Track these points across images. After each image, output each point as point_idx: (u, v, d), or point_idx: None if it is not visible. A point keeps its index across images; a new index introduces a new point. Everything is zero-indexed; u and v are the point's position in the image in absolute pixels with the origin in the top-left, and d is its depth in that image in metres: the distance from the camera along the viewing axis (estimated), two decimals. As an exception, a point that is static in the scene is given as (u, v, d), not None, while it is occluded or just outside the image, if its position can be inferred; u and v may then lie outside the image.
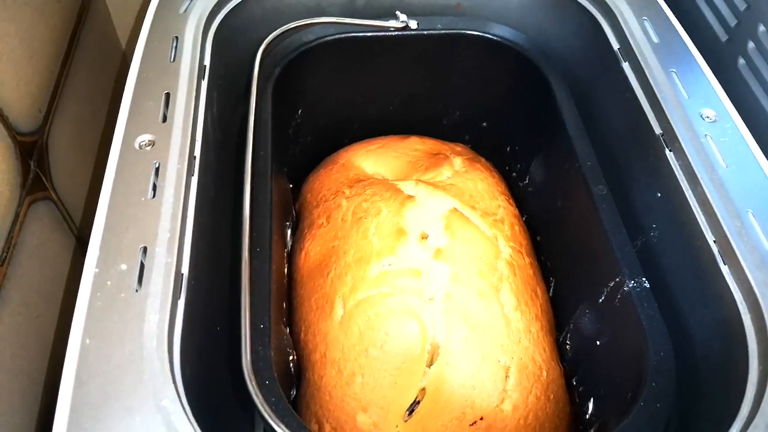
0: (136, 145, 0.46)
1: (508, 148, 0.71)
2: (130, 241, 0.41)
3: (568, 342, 0.58)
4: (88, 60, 0.67)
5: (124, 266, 0.40)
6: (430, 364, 0.51)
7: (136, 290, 0.39)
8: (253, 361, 0.41)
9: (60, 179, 0.58)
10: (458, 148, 0.71)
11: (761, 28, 0.55)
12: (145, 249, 0.40)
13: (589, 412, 0.53)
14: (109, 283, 0.39)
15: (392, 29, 0.64)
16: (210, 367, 0.43)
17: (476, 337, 0.52)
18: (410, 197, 0.60)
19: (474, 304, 0.53)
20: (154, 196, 0.43)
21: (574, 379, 0.56)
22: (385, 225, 0.58)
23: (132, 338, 0.37)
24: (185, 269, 0.41)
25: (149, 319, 0.37)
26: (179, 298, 0.40)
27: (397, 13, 0.64)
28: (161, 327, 0.37)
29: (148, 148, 0.46)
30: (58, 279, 0.56)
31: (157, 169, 0.45)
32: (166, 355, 0.36)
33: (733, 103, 0.50)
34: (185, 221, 0.43)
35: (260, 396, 0.39)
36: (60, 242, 0.57)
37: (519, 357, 0.52)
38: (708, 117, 0.48)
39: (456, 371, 0.51)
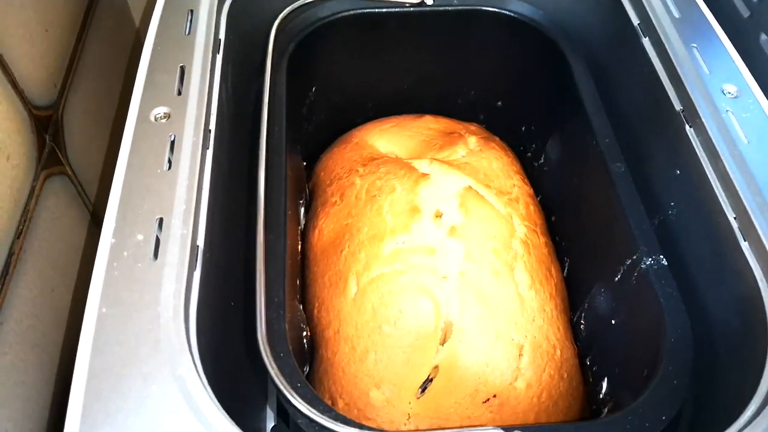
0: (152, 118, 0.46)
1: (523, 128, 0.70)
2: (146, 212, 0.41)
3: (582, 322, 0.57)
4: (102, 35, 0.66)
5: (140, 237, 0.40)
6: (443, 342, 0.51)
7: (153, 261, 0.39)
8: (268, 333, 0.41)
9: (75, 154, 0.58)
10: (472, 127, 0.71)
11: (785, 4, 0.54)
12: (161, 220, 0.40)
13: (603, 391, 0.52)
14: (125, 253, 0.39)
15: (408, 5, 0.63)
16: (225, 338, 0.43)
17: (490, 315, 0.52)
18: (424, 175, 0.60)
19: (488, 282, 0.53)
20: (170, 168, 0.43)
21: (587, 359, 0.56)
22: (399, 203, 0.57)
23: (148, 307, 0.37)
24: (200, 241, 0.41)
25: (165, 288, 0.37)
26: (195, 269, 0.40)
27: (413, -11, 0.63)
28: (177, 297, 0.37)
29: (164, 120, 0.46)
30: (73, 254, 0.56)
31: (173, 142, 0.45)
32: (182, 324, 0.36)
33: (755, 79, 0.49)
34: (200, 194, 0.43)
35: (275, 367, 0.39)
36: (75, 217, 0.57)
37: (533, 335, 0.52)
38: (730, 93, 0.48)
39: (469, 349, 0.50)
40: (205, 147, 0.45)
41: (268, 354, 0.40)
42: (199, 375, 0.35)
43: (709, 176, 0.45)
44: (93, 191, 0.61)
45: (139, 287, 0.38)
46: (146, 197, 0.41)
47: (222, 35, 0.53)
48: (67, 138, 0.56)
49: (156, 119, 0.46)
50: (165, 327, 0.36)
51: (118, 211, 0.41)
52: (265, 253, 0.45)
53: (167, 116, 0.46)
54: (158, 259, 0.39)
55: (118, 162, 0.43)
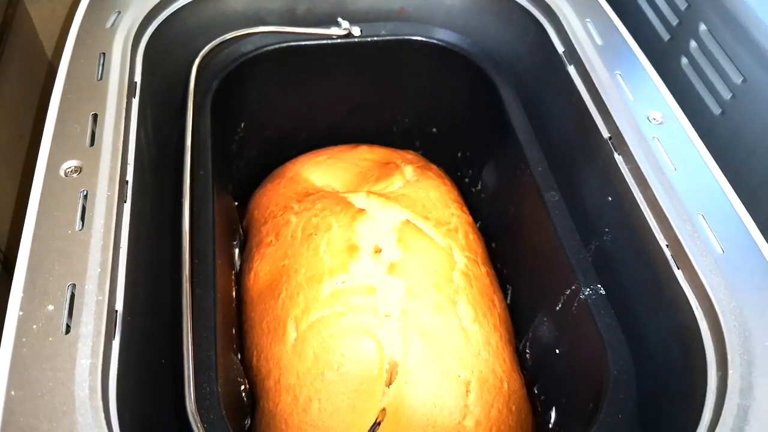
0: (62, 173, 0.43)
1: (459, 154, 0.70)
2: (56, 278, 0.38)
3: (527, 350, 0.57)
4: (12, 77, 0.62)
5: (50, 307, 0.36)
6: (389, 384, 0.50)
7: (66, 333, 0.36)
8: (198, 400, 0.39)
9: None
10: (409, 155, 0.70)
11: (702, 26, 0.56)
12: (74, 286, 0.37)
13: (552, 420, 0.52)
14: (35, 326, 0.36)
15: (335, 37, 0.62)
16: (152, 408, 0.40)
17: (435, 353, 0.51)
18: (361, 210, 0.58)
19: (431, 318, 0.52)
20: (82, 227, 0.40)
21: (535, 387, 0.55)
22: (336, 241, 0.56)
23: (62, 387, 0.34)
24: (119, 305, 0.38)
25: (80, 364, 0.34)
26: (113, 338, 0.37)
27: (339, 19, 0.62)
28: (94, 372, 0.34)
29: (75, 174, 0.43)
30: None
31: (86, 197, 0.42)
32: (100, 403, 0.33)
33: (678, 102, 0.49)
34: (118, 253, 0.40)
35: (207, 437, 0.37)
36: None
37: (479, 370, 0.51)
38: (655, 119, 0.48)
39: (416, 389, 0.49)
40: (121, 200, 0.43)
41: (198, 422, 0.37)
42: (120, 458, 0.32)
43: (639, 204, 0.45)
44: (3, 240, 0.57)
45: (51, 365, 0.34)
46: (57, 262, 0.38)
47: (138, 78, 0.50)
48: (-27, 190, 0.53)
49: (66, 174, 0.43)
50: (81, 408, 0.33)
51: (26, 279, 0.37)
52: (192, 312, 0.42)
53: (78, 170, 0.43)
54: (72, 330, 0.36)
55: (25, 224, 0.40)
